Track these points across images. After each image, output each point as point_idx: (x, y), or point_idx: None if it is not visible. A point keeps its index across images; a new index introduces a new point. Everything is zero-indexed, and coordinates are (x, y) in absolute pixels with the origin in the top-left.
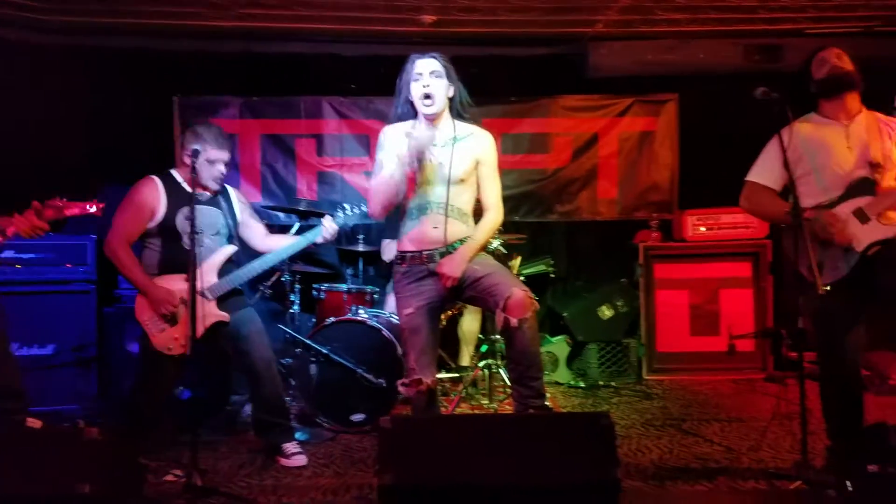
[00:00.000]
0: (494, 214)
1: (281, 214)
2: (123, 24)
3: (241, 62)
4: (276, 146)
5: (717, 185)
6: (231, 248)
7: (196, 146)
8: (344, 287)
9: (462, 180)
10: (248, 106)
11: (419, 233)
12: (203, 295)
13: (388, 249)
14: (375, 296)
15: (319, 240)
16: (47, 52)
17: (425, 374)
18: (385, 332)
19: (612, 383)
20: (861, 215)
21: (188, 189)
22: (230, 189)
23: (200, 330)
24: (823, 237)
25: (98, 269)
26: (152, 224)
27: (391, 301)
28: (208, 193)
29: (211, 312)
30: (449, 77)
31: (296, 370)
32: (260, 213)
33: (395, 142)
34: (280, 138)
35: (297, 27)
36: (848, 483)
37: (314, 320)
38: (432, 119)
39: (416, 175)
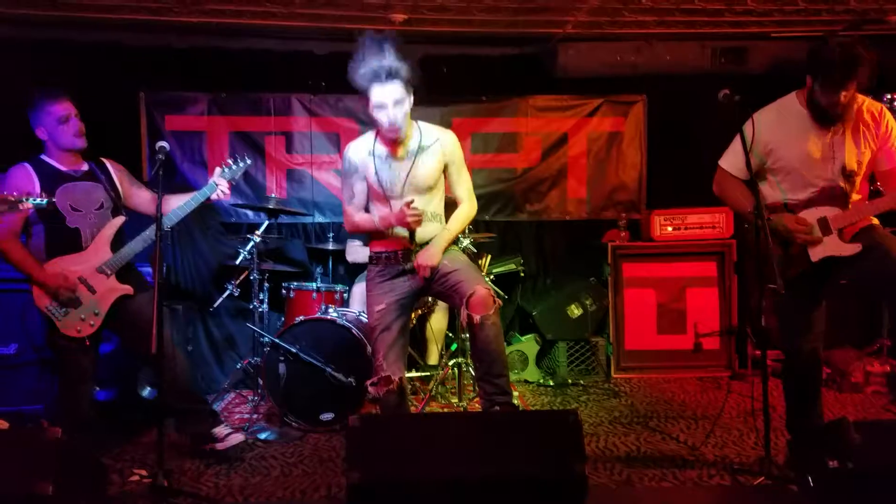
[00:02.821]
0: (468, 206)
1: (250, 212)
2: (91, 18)
3: (210, 58)
4: (245, 143)
5: (684, 186)
6: (119, 220)
7: (41, 112)
8: (313, 286)
9: (430, 187)
10: (216, 102)
11: (392, 236)
12: (101, 271)
13: (353, 250)
14: (345, 294)
15: (214, 196)
16: (9, 45)
17: (394, 371)
18: (354, 331)
19: (581, 381)
20: (824, 226)
21: (60, 168)
22: (106, 161)
23: (105, 306)
24: (785, 237)
25: None
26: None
27: (356, 297)
28: (83, 169)
29: (113, 287)
30: (409, 92)
31: (264, 369)
32: (228, 210)
33: (360, 163)
34: (249, 136)
35: (267, 24)
36: (809, 478)
37: (283, 319)
38: (397, 139)
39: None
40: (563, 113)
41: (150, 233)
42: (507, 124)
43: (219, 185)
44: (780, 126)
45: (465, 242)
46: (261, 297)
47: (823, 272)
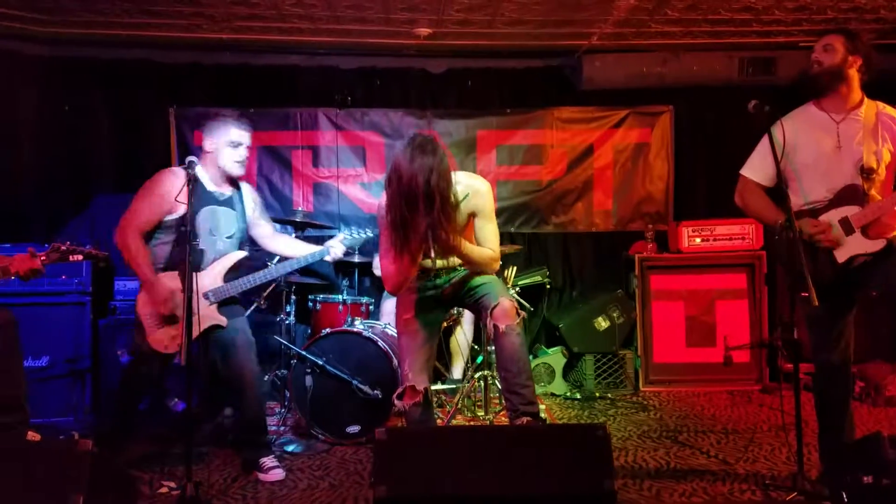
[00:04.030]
0: (493, 253)
1: (277, 225)
2: (121, 35)
3: (238, 74)
4: (273, 158)
5: (712, 197)
6: (241, 254)
7: (218, 129)
8: (339, 298)
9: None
10: (244, 118)
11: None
12: (206, 297)
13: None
14: (371, 307)
15: (328, 258)
16: (43, 63)
17: (418, 381)
18: (381, 344)
19: (609, 395)
20: (847, 225)
21: (210, 188)
22: (244, 186)
23: (197, 331)
24: (810, 241)
25: (93, 281)
26: (171, 217)
27: (385, 310)
28: (227, 193)
29: (210, 315)
30: None
31: (291, 382)
32: None
33: None
34: (276, 150)
35: (294, 40)
36: (843, 495)
37: (309, 331)
38: None
39: None
40: (589, 125)
41: (259, 276)
42: (533, 136)
43: (333, 249)
44: (798, 126)
45: None
46: (288, 309)
47: (852, 280)
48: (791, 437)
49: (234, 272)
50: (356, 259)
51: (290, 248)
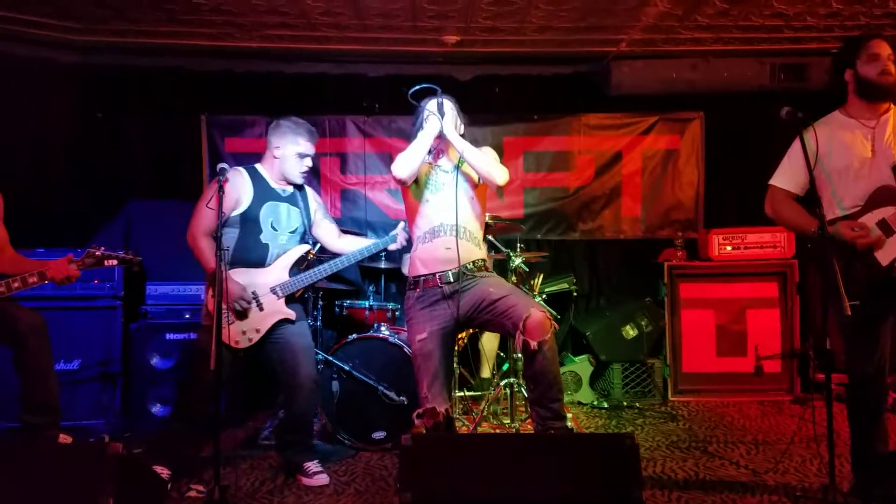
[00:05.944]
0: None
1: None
2: (153, 44)
3: (268, 81)
4: None
5: (743, 205)
6: (305, 247)
7: (287, 136)
8: (366, 304)
9: (471, 198)
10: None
11: (432, 255)
12: (274, 292)
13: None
14: (397, 313)
15: (392, 246)
16: (76, 71)
17: (438, 403)
18: (406, 350)
19: (637, 404)
20: (885, 227)
21: (271, 183)
22: (308, 190)
23: (267, 325)
24: (847, 247)
25: (125, 286)
26: (235, 213)
27: None
28: (290, 190)
29: (279, 309)
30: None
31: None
32: None
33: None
34: None
35: (323, 48)
36: None
37: (336, 336)
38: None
39: (424, 204)
40: (617, 131)
41: (327, 266)
42: (560, 143)
43: (398, 236)
44: (831, 132)
45: (518, 261)
46: (315, 314)
47: (890, 288)
48: (823, 448)
49: (298, 266)
50: (383, 265)
51: (356, 245)
